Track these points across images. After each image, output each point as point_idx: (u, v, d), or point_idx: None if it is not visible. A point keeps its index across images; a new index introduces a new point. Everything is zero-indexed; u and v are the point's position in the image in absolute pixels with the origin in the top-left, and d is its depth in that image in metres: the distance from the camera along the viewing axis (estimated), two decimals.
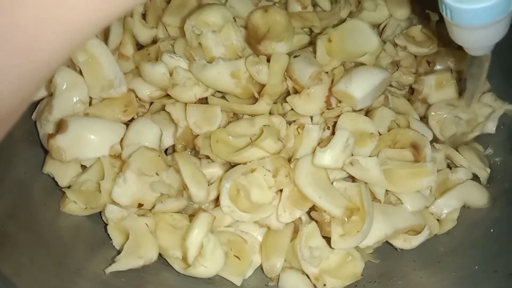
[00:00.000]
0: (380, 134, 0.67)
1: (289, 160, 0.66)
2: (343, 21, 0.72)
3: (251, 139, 0.66)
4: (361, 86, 0.64)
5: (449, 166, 0.73)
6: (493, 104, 0.76)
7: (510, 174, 0.71)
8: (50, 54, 0.30)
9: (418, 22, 0.82)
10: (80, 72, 0.67)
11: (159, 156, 0.63)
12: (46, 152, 0.68)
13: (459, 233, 0.68)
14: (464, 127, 0.73)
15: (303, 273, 0.63)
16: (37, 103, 0.72)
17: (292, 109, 0.68)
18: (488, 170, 0.72)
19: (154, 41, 0.75)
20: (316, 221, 0.64)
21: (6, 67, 0.29)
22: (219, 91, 0.70)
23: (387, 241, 0.66)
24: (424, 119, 0.76)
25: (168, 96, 0.69)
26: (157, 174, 0.62)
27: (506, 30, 0.55)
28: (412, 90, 0.78)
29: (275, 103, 0.69)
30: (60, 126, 0.64)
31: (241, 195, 0.64)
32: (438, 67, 0.78)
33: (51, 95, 0.68)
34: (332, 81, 0.67)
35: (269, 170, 0.64)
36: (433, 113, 0.73)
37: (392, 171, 0.64)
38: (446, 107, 0.73)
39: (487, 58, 0.60)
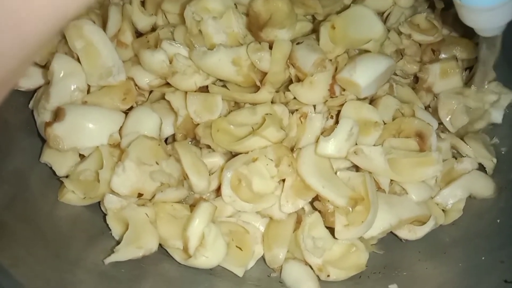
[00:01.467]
0: (385, 123, 0.66)
1: (292, 150, 0.65)
2: (346, 8, 0.70)
3: (252, 128, 0.65)
4: (365, 74, 0.62)
5: (454, 156, 0.72)
6: (499, 93, 0.74)
7: None
8: (37, 30, 0.30)
9: (423, 9, 0.80)
10: (78, 60, 0.66)
11: (159, 145, 0.62)
12: (43, 141, 0.67)
13: (465, 224, 0.67)
14: (472, 115, 0.72)
15: (306, 263, 0.62)
16: (34, 91, 0.71)
17: (294, 98, 0.67)
18: (494, 160, 0.71)
19: (154, 29, 0.74)
20: (319, 211, 0.63)
21: None
22: (220, 79, 0.68)
23: (391, 232, 0.65)
24: (429, 108, 0.75)
25: (168, 84, 0.68)
26: (157, 163, 0.61)
27: None
28: (416, 79, 0.77)
29: (277, 91, 0.68)
30: (58, 114, 0.63)
31: (243, 184, 0.62)
32: (443, 55, 0.77)
33: (48, 83, 0.67)
34: (336, 68, 0.66)
35: (271, 160, 0.63)
36: (442, 103, 0.71)
37: (396, 161, 0.63)
38: (454, 96, 0.71)
39: (498, 38, 0.59)
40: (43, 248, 0.58)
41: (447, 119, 0.71)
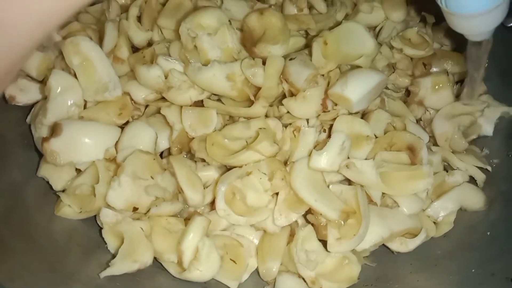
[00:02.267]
0: (376, 137, 0.67)
1: (285, 163, 0.66)
2: (339, 23, 0.72)
3: (247, 142, 0.66)
4: (357, 89, 0.64)
5: (446, 169, 0.73)
6: (490, 105, 0.76)
7: (506, 176, 0.71)
8: (20, 35, 0.31)
9: (414, 24, 0.82)
10: (75, 75, 0.67)
11: (154, 159, 0.63)
12: (40, 155, 0.68)
13: (456, 236, 0.67)
14: (467, 129, 0.73)
15: (300, 276, 0.63)
16: (31, 106, 0.72)
17: (288, 112, 0.68)
18: (486, 171, 0.71)
19: (150, 44, 0.75)
20: (312, 224, 0.64)
21: None
22: (215, 94, 0.70)
23: (383, 244, 0.66)
24: (420, 121, 0.76)
25: (163, 99, 0.69)
26: (152, 177, 0.62)
27: (505, 14, 0.55)
28: (408, 93, 0.78)
29: (271, 106, 0.69)
30: (55, 129, 0.64)
31: (237, 198, 0.63)
32: (434, 69, 0.78)
33: (45, 98, 0.68)
34: (328, 83, 0.67)
35: (265, 173, 0.63)
36: (438, 132, 0.72)
37: (388, 174, 0.64)
38: (448, 121, 0.72)
39: (487, 42, 0.60)
40: (39, 262, 0.58)
41: (447, 145, 0.72)
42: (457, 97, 0.76)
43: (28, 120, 0.71)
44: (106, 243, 0.62)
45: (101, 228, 0.63)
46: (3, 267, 0.55)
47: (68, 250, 0.62)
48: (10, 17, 0.29)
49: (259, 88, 0.67)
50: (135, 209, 0.61)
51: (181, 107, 0.67)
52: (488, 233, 0.65)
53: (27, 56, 0.34)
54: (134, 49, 0.75)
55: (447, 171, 0.71)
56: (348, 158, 0.63)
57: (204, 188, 0.65)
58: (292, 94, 0.68)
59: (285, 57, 0.68)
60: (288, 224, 0.63)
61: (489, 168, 0.71)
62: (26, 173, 0.68)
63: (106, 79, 0.67)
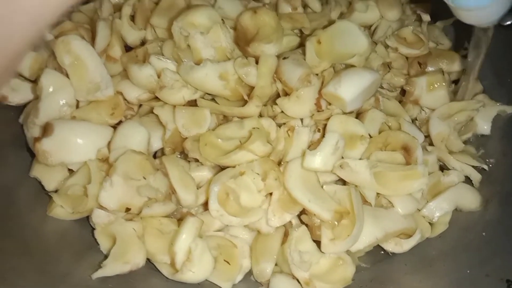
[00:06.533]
0: (371, 137, 0.66)
1: (279, 163, 0.65)
2: (333, 22, 0.71)
3: (240, 142, 0.65)
4: (350, 88, 0.63)
5: (442, 168, 0.72)
6: (486, 104, 0.75)
7: (502, 176, 0.71)
8: (12, 33, 0.31)
9: (410, 23, 0.81)
10: (67, 75, 0.67)
11: (146, 159, 0.63)
12: (33, 156, 0.67)
13: (451, 237, 0.67)
14: (463, 127, 0.73)
15: (294, 277, 0.62)
16: (24, 106, 0.71)
17: (282, 112, 0.67)
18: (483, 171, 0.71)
19: (143, 43, 0.75)
20: (306, 225, 0.63)
21: None
22: (208, 93, 0.69)
23: (378, 245, 0.65)
24: (416, 120, 0.76)
25: (157, 98, 0.68)
26: (144, 178, 0.61)
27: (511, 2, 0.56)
28: (403, 92, 0.77)
29: (265, 105, 0.69)
30: (46, 129, 0.63)
31: (230, 198, 0.63)
32: (429, 68, 0.78)
33: (37, 98, 0.67)
34: (322, 83, 0.66)
35: (258, 174, 0.63)
36: (434, 133, 0.71)
37: (383, 174, 0.64)
38: (444, 121, 0.71)
39: (491, 28, 0.61)
40: (30, 264, 0.58)
41: (443, 146, 0.71)
42: (454, 94, 0.76)
43: (20, 120, 0.71)
44: (98, 244, 0.62)
45: (93, 229, 0.62)
46: None
47: (60, 251, 0.62)
48: (1, 13, 0.29)
49: (252, 88, 0.67)
50: (127, 209, 0.60)
51: (174, 106, 0.67)
52: (484, 234, 0.65)
53: (20, 56, 0.33)
54: (128, 48, 0.75)
55: (442, 171, 0.71)
56: (342, 158, 0.63)
57: (197, 189, 0.65)
58: (286, 94, 0.67)
59: (278, 56, 0.68)
60: (282, 224, 0.63)
61: (486, 167, 0.71)
62: (19, 173, 0.67)
63: (98, 79, 0.66)
